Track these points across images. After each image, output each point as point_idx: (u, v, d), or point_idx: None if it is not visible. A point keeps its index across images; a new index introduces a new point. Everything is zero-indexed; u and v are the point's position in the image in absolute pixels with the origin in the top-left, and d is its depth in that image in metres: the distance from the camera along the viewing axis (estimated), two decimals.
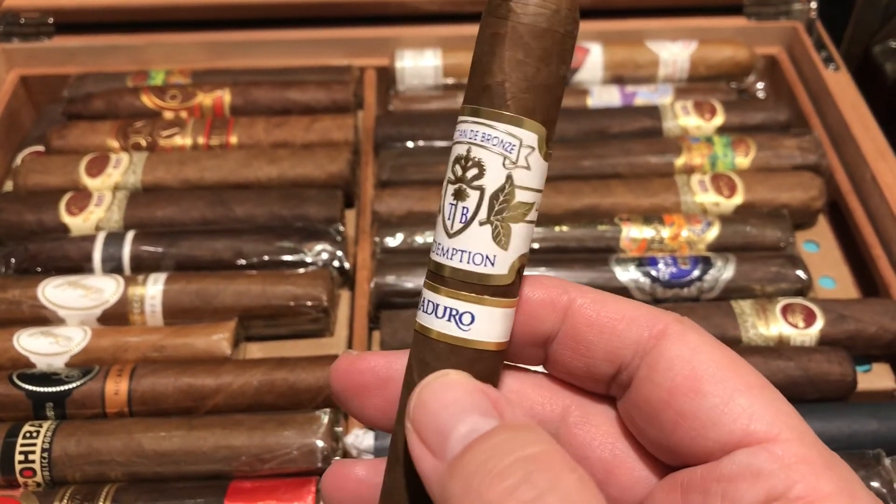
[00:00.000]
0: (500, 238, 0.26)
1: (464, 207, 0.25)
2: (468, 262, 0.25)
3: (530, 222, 0.26)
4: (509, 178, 0.25)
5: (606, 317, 0.27)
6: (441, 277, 0.26)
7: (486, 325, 0.26)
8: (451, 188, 0.26)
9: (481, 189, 0.25)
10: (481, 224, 0.25)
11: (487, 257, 0.25)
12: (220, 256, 0.64)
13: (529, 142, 0.25)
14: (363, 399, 0.28)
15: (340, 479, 0.28)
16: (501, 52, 0.25)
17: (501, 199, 0.25)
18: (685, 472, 0.25)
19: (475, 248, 0.25)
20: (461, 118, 0.26)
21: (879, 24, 0.88)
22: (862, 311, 0.60)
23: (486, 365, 0.26)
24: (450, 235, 0.26)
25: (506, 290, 0.26)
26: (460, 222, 0.25)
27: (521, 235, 0.26)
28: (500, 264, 0.26)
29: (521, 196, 0.25)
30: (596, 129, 0.74)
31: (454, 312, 0.26)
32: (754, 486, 0.23)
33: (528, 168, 0.25)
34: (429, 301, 0.26)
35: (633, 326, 0.26)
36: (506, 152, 0.25)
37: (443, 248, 0.26)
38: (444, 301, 0.26)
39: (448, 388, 0.24)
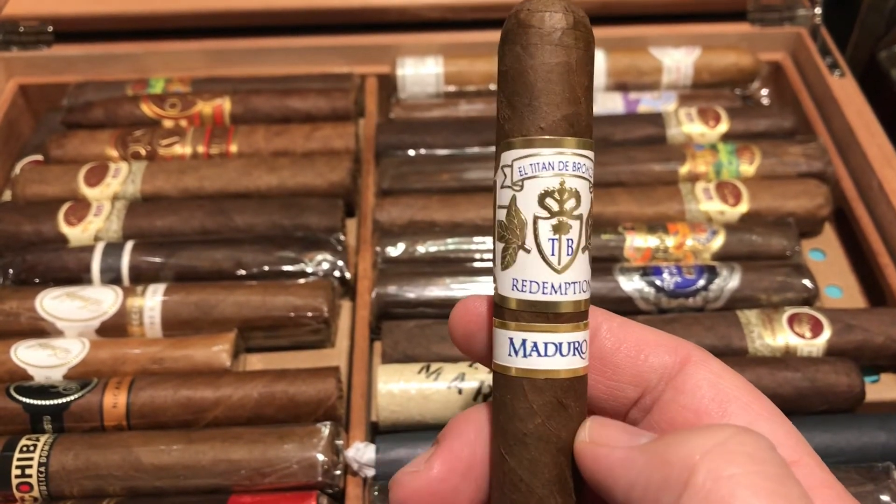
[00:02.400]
0: (590, 259, 0.26)
1: (569, 240, 0.25)
2: (580, 292, 0.26)
3: None
4: (592, 201, 0.26)
5: (633, 342, 0.27)
6: (557, 315, 0.25)
7: (587, 347, 0.26)
8: (546, 224, 0.25)
9: (580, 217, 0.25)
10: (583, 251, 0.26)
11: (588, 282, 0.26)
12: (220, 267, 0.63)
13: (594, 162, 0.26)
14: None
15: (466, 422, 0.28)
16: (572, 80, 0.25)
17: (591, 222, 0.26)
18: None
19: (582, 276, 0.26)
20: (529, 151, 0.25)
21: (885, 30, 0.87)
22: (869, 320, 0.60)
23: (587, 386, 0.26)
24: (559, 271, 0.25)
25: (588, 313, 0.26)
26: (567, 255, 0.25)
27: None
28: (590, 284, 0.26)
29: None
30: (599, 136, 0.74)
31: (577, 346, 0.26)
32: None
33: (595, 186, 0.26)
34: (547, 344, 0.25)
35: (659, 351, 0.27)
36: (589, 177, 0.25)
37: (552, 286, 0.25)
38: (566, 338, 0.25)
39: (606, 422, 0.26)
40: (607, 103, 0.78)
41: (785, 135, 0.75)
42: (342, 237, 0.65)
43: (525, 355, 0.25)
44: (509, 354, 0.26)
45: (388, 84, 0.81)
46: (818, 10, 0.83)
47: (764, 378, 0.56)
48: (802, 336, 0.58)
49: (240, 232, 0.66)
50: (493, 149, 0.73)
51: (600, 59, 0.79)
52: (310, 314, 0.60)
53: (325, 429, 0.53)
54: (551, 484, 0.25)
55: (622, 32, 0.83)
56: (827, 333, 0.58)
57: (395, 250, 0.65)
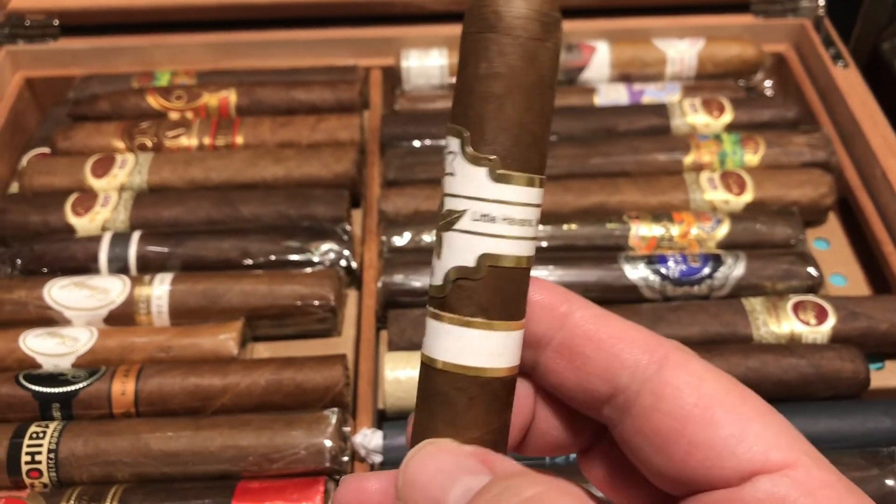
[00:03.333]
0: (436, 246, 0.25)
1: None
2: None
3: (466, 232, 0.24)
4: (441, 184, 0.25)
5: (606, 334, 0.26)
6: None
7: (432, 340, 0.25)
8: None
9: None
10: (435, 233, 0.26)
11: (432, 266, 0.25)
12: (227, 256, 0.63)
13: (452, 147, 0.24)
14: None
15: (356, 493, 0.27)
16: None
17: (438, 206, 0.25)
18: (705, 497, 0.25)
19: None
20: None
21: (888, 21, 0.87)
22: (874, 308, 0.60)
23: (442, 387, 0.25)
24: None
25: (441, 301, 0.25)
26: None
27: (454, 245, 0.24)
28: (436, 274, 0.25)
29: (448, 203, 0.25)
30: (603, 127, 0.74)
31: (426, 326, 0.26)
32: None
33: (452, 174, 0.24)
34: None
35: (634, 348, 0.25)
36: (444, 161, 0.25)
37: None
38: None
39: (431, 458, 0.24)
40: (611, 94, 0.78)
41: (789, 125, 0.75)
42: (348, 227, 0.66)
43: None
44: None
45: (392, 76, 0.81)
46: (821, 2, 0.83)
47: (769, 364, 0.56)
48: (807, 323, 0.59)
49: (246, 222, 0.66)
50: None
51: (604, 51, 0.80)
52: (316, 303, 0.60)
53: (333, 415, 0.53)
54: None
55: (626, 24, 0.83)
56: (832, 321, 0.59)
57: (401, 240, 0.65)
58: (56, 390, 0.55)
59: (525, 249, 0.25)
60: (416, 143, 0.74)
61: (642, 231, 0.65)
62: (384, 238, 0.65)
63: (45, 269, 0.63)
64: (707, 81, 0.80)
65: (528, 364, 0.27)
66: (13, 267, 0.64)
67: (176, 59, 0.82)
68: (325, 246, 0.64)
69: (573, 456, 0.30)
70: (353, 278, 0.65)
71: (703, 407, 0.24)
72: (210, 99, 0.75)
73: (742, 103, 0.76)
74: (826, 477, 0.23)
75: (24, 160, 0.74)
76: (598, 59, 0.79)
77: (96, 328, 0.59)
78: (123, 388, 0.55)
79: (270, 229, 0.65)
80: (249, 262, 0.63)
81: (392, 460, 0.53)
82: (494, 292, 0.25)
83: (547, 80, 0.24)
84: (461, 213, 0.24)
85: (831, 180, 0.69)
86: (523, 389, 0.27)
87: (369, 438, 0.53)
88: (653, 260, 0.62)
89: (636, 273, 0.62)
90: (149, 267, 0.63)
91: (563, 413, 0.28)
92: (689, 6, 0.84)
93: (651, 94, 0.78)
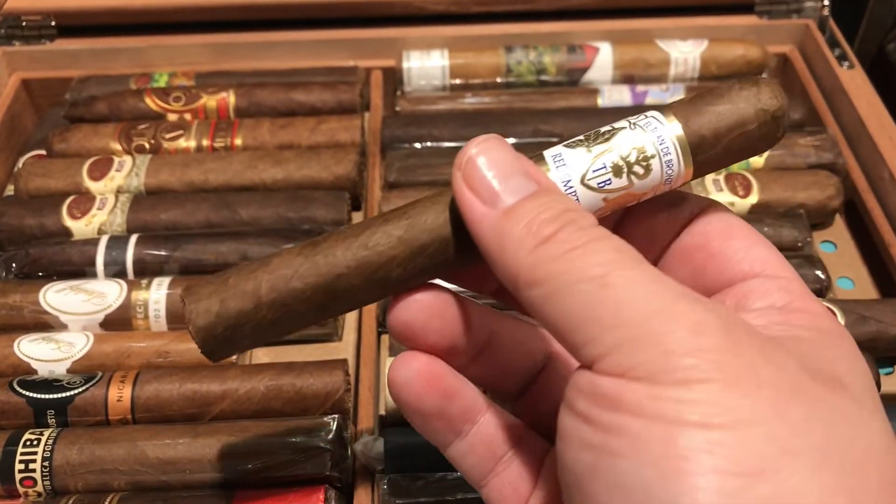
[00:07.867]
0: None
1: (608, 180, 0.30)
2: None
3: None
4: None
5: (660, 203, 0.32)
6: None
7: None
8: (612, 159, 0.30)
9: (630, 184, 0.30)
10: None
11: None
12: (226, 259, 0.62)
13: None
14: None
15: (409, 307, 0.33)
16: None
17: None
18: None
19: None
20: (665, 119, 0.30)
21: (893, 22, 0.87)
22: (883, 311, 0.59)
23: None
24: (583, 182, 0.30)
25: None
26: (599, 185, 0.30)
27: None
28: None
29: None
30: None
31: None
32: (761, 298, 0.29)
33: None
34: None
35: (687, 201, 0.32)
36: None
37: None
38: None
39: (495, 149, 0.28)
40: (614, 95, 0.77)
41: (794, 126, 0.74)
42: None
43: None
44: None
45: (393, 77, 0.80)
46: (826, 2, 0.82)
47: None
48: None
49: (245, 225, 0.65)
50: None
51: (607, 52, 0.79)
52: None
53: (334, 422, 0.52)
54: None
55: (629, 25, 0.82)
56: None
57: None
58: (51, 396, 0.54)
59: None
60: (418, 145, 0.73)
61: None
62: None
63: (41, 273, 0.62)
64: (711, 83, 0.80)
65: None
66: (8, 271, 0.63)
67: (174, 61, 0.81)
68: None
69: None
70: None
71: (725, 229, 0.31)
72: (209, 100, 0.74)
73: None
74: (810, 294, 0.29)
75: (20, 162, 0.73)
76: (601, 60, 0.79)
77: (92, 333, 0.58)
78: (120, 395, 0.54)
79: (270, 232, 0.64)
80: None
81: (393, 468, 0.52)
82: None
83: None
84: None
85: (838, 182, 0.68)
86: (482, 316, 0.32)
87: (370, 446, 0.52)
88: None
89: None
90: (146, 271, 0.62)
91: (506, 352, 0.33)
92: (692, 7, 0.83)
93: (654, 95, 0.77)
